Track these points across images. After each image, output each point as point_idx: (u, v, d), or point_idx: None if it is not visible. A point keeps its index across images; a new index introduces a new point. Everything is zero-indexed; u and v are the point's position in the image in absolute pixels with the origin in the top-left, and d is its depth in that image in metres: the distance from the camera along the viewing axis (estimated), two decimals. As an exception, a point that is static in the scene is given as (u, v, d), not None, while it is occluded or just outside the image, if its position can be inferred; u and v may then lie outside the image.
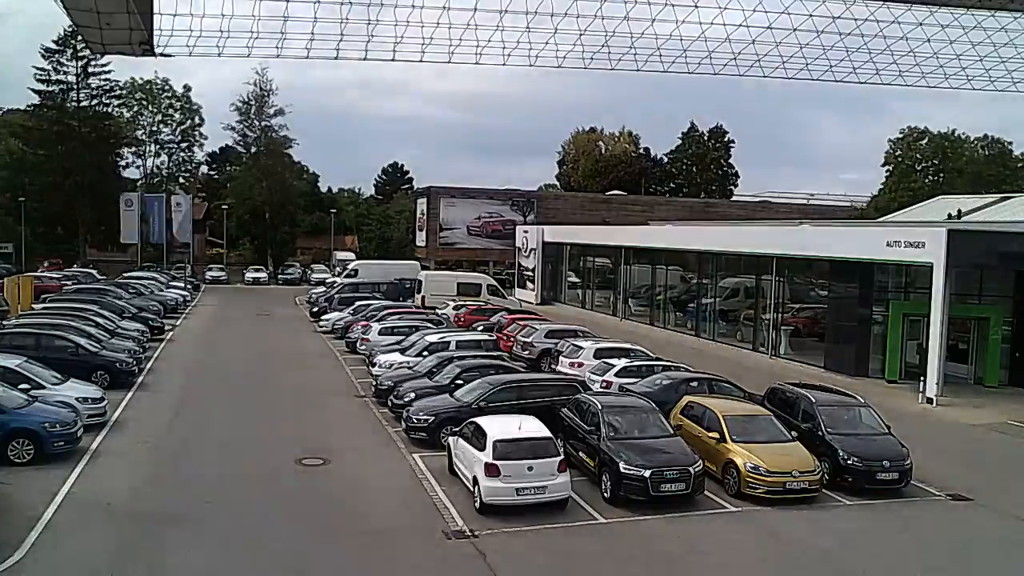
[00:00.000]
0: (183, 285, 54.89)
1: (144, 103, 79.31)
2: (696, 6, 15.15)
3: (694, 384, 21.35)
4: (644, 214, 67.54)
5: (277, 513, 14.82)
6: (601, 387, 22.44)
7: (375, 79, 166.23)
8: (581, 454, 16.93)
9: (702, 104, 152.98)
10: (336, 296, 44.07)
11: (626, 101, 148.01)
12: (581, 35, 15.43)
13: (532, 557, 13.38)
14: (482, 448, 15.07)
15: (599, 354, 25.91)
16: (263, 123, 75.73)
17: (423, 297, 44.75)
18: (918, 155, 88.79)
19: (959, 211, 42.73)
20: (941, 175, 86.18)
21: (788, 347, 33.66)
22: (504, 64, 15.97)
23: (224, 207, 73.63)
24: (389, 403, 21.94)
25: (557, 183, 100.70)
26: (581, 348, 26.96)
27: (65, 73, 69.69)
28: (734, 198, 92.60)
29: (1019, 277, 29.70)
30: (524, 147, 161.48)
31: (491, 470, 14.65)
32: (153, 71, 78.91)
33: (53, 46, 68.71)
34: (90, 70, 69.91)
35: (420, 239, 73.15)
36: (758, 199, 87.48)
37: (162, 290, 49.06)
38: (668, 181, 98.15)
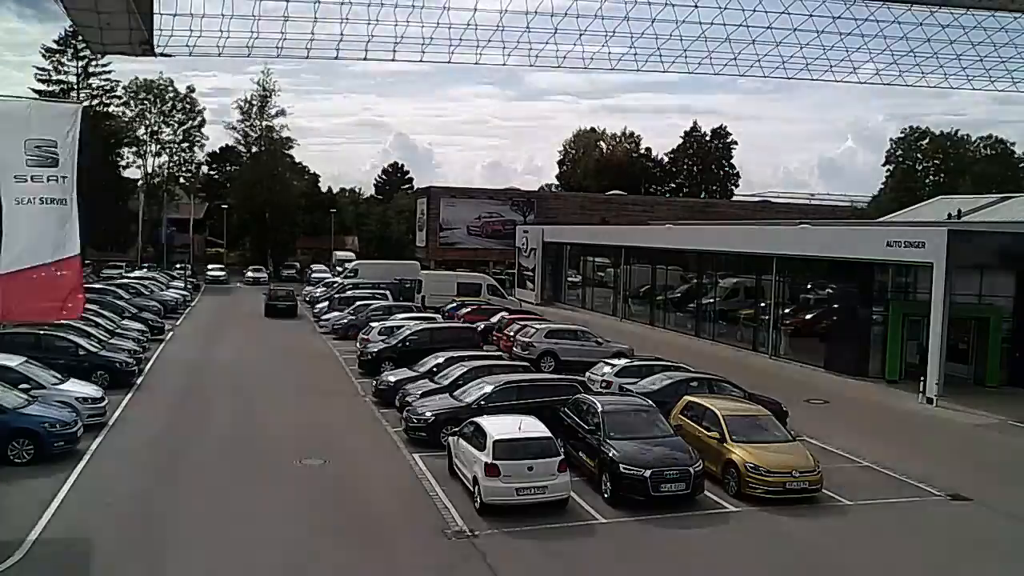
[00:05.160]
0: (183, 285, 54.87)
1: (148, 103, 79.26)
2: (696, 6, 15.19)
3: (694, 384, 21.34)
4: (644, 214, 67.56)
5: (277, 513, 14.80)
6: (601, 387, 22.45)
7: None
8: (581, 454, 16.92)
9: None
10: (336, 296, 44.08)
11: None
12: (581, 35, 15.47)
13: (532, 557, 13.38)
14: (482, 448, 15.07)
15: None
16: (264, 123, 75.80)
17: (423, 297, 44.74)
18: (919, 155, 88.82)
19: (959, 211, 42.74)
20: (942, 175, 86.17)
21: (788, 347, 33.66)
22: (504, 64, 16.01)
23: (224, 207, 73.61)
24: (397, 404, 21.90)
25: (557, 183, 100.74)
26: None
27: (66, 73, 69.72)
28: (734, 198, 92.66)
29: (1019, 277, 29.67)
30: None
31: (491, 470, 14.63)
32: (159, 72, 79.06)
33: (54, 46, 68.81)
34: (91, 70, 69.90)
35: (420, 239, 73.18)
36: (758, 199, 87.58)
37: (163, 290, 49.06)
38: (668, 181, 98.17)
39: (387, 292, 43.43)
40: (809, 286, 34.91)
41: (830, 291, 32.71)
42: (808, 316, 34.01)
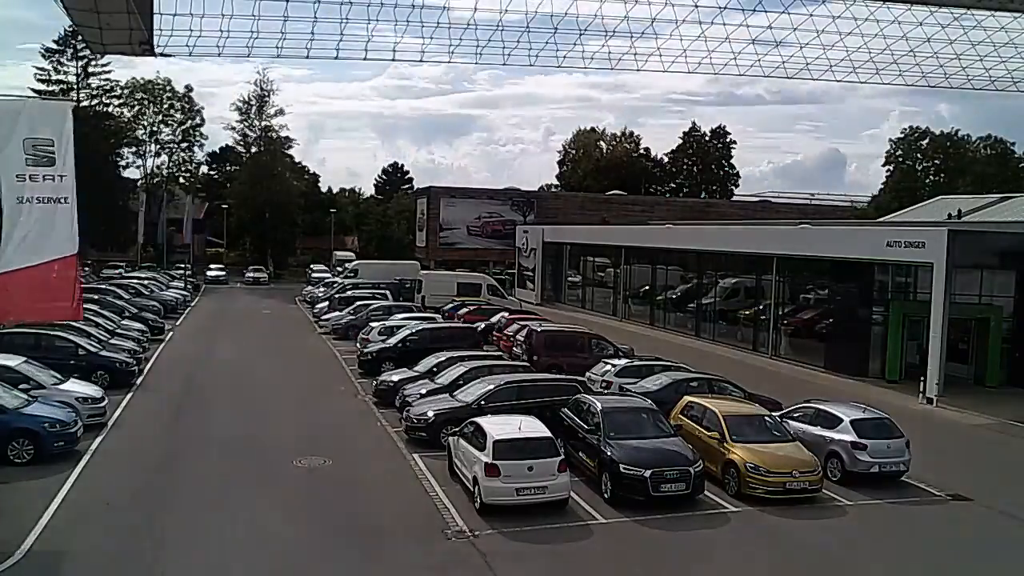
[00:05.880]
0: (183, 285, 54.86)
1: (146, 103, 79.31)
2: (696, 6, 15.18)
3: (694, 384, 21.35)
4: (644, 214, 67.52)
5: (277, 513, 14.80)
6: (601, 387, 22.44)
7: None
8: (581, 454, 16.91)
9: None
10: (336, 296, 44.08)
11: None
12: (581, 35, 15.46)
13: (532, 557, 13.38)
14: (482, 448, 15.06)
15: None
16: (263, 123, 75.82)
17: (423, 297, 44.75)
18: (919, 155, 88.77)
19: (959, 211, 42.71)
20: (942, 175, 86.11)
21: (788, 347, 33.65)
22: (504, 64, 16.01)
23: (224, 207, 73.59)
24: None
25: (557, 183, 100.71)
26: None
27: (65, 73, 69.76)
28: (734, 198, 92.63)
29: (1019, 277, 29.67)
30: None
31: (491, 470, 14.63)
32: (156, 71, 79.14)
33: (54, 46, 68.85)
34: (90, 70, 69.94)
35: (420, 239, 73.17)
36: (758, 199, 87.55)
37: (163, 290, 49.04)
38: (668, 181, 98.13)
39: (387, 292, 43.42)
40: (809, 286, 34.92)
41: (830, 291, 32.69)
42: (808, 316, 34.01)
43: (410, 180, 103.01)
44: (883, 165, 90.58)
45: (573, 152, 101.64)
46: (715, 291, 39.69)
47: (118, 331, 30.38)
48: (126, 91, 76.24)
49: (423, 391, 21.33)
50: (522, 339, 29.97)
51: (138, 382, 25.40)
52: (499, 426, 15.57)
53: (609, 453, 15.82)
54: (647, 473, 15.23)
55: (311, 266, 71.41)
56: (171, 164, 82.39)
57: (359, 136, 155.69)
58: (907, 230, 29.06)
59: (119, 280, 49.62)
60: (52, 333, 24.97)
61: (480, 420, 16.10)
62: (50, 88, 69.22)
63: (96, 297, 37.16)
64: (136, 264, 67.56)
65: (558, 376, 23.49)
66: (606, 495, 15.68)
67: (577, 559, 13.44)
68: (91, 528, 13.87)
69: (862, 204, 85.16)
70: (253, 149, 77.22)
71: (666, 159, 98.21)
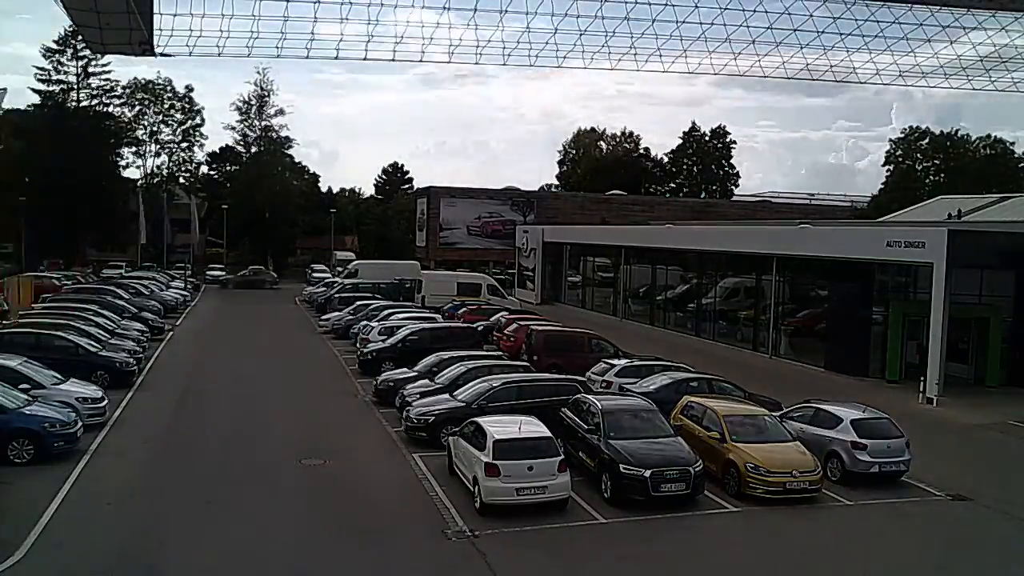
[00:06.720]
0: (183, 285, 54.84)
1: (146, 103, 79.27)
2: (696, 6, 15.21)
3: (694, 384, 21.35)
4: (644, 214, 67.51)
5: (277, 513, 14.81)
6: (601, 387, 22.44)
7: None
8: (581, 454, 16.91)
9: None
10: (336, 296, 44.05)
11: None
12: (581, 35, 15.49)
13: (532, 557, 13.37)
14: (482, 448, 15.07)
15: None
16: (263, 123, 75.78)
17: (423, 297, 44.74)
18: (919, 155, 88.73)
19: (959, 211, 42.68)
20: (942, 175, 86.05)
21: (788, 347, 33.65)
22: (504, 64, 16.05)
23: (224, 207, 73.56)
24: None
25: (557, 183, 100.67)
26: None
27: (65, 73, 69.75)
28: (734, 198, 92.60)
29: (1019, 277, 29.66)
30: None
31: (491, 470, 14.63)
32: (156, 72, 79.08)
33: (54, 46, 68.84)
34: (90, 70, 69.92)
35: (420, 239, 73.17)
36: (758, 199, 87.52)
37: (163, 290, 49.03)
38: (668, 181, 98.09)
39: (377, 295, 42.94)
40: (810, 286, 34.91)
41: (830, 291, 32.68)
42: (808, 316, 33.99)
43: (410, 180, 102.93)
44: (883, 165, 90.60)
45: (573, 152, 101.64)
46: (715, 291, 39.68)
47: (118, 331, 30.39)
48: (127, 91, 76.26)
49: (423, 391, 21.34)
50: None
51: (138, 382, 25.42)
52: (499, 426, 15.59)
53: (609, 453, 15.81)
54: (647, 473, 15.23)
55: (311, 266, 71.31)
56: (171, 164, 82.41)
57: (360, 133, 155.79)
58: (907, 230, 29.04)
59: (119, 280, 49.63)
60: (52, 333, 25.01)
61: (480, 420, 16.11)
62: (50, 88, 69.31)
63: (96, 297, 37.31)
64: (136, 264, 67.53)
65: (558, 376, 23.48)
66: (606, 495, 15.68)
67: (577, 559, 13.43)
68: (92, 528, 13.88)
69: (862, 204, 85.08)
70: (253, 149, 77.24)
71: (666, 159, 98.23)
